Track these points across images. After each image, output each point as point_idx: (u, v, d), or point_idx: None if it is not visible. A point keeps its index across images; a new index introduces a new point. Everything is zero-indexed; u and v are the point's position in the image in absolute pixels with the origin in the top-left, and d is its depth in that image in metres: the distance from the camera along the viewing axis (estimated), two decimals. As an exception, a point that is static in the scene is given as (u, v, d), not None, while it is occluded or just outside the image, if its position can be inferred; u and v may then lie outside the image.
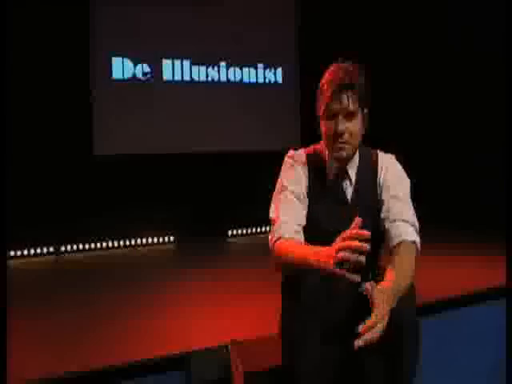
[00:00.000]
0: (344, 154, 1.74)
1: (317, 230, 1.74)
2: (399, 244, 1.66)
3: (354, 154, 1.80)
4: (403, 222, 1.70)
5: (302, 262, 1.53)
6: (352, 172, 1.81)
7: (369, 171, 1.82)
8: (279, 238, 1.68)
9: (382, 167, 1.81)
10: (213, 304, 3.04)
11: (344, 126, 1.69)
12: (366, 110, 1.76)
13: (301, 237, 1.72)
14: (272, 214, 1.78)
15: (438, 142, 5.72)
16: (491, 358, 2.67)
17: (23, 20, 4.48)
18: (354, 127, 1.71)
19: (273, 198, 1.82)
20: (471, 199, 5.28)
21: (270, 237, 1.74)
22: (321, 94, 1.75)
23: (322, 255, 1.44)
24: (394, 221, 1.71)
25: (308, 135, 2.02)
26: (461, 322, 2.68)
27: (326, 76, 1.74)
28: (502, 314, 2.69)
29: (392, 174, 1.80)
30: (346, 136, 1.71)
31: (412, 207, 1.76)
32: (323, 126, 1.76)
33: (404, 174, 1.83)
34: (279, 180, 1.83)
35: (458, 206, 5.37)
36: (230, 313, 2.87)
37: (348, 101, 1.68)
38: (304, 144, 1.97)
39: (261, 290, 3.13)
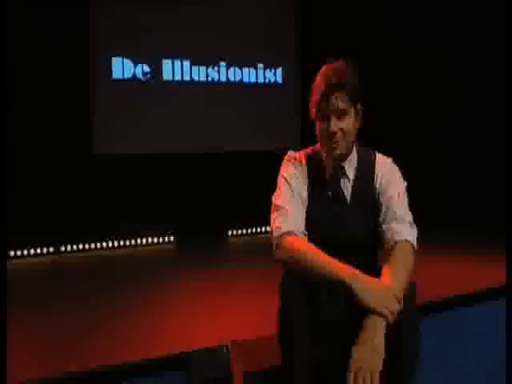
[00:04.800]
0: (338, 152, 1.75)
1: (316, 231, 1.74)
2: (394, 245, 1.69)
3: (350, 151, 1.81)
4: (398, 221, 1.73)
5: (330, 273, 1.56)
6: (350, 170, 1.82)
7: (367, 172, 1.83)
8: (290, 232, 1.68)
9: (379, 170, 1.83)
10: (213, 304, 3.04)
11: (336, 125, 1.71)
12: (359, 106, 1.78)
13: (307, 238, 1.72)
14: (277, 201, 1.77)
15: (440, 142, 5.72)
16: (491, 358, 2.67)
17: (23, 20, 4.48)
18: (346, 126, 1.73)
19: (276, 192, 1.81)
20: (471, 199, 5.28)
21: (275, 224, 1.72)
22: (312, 96, 1.78)
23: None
24: (390, 222, 1.73)
25: (308, 135, 2.03)
26: (461, 321, 2.68)
27: (316, 79, 1.77)
28: (502, 314, 2.69)
29: (389, 176, 1.81)
30: (339, 135, 1.72)
31: (407, 205, 1.79)
32: (317, 127, 1.78)
33: (400, 176, 1.84)
34: (280, 180, 1.83)
35: (458, 206, 5.37)
36: (230, 313, 2.87)
37: (337, 101, 1.70)
38: (304, 144, 1.97)
39: (261, 290, 3.13)
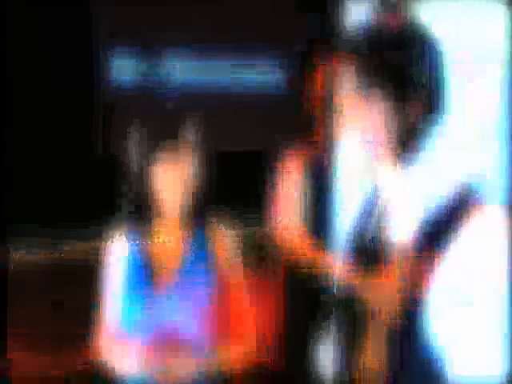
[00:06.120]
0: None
1: (315, 230, 1.74)
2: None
3: None
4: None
5: (330, 273, 1.54)
6: None
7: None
8: (289, 233, 1.69)
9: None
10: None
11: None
12: None
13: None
14: (276, 201, 1.80)
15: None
16: (491, 358, 2.67)
17: (23, 20, 4.48)
18: None
19: (274, 192, 1.82)
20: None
21: (274, 225, 1.74)
22: (313, 92, 1.80)
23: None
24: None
25: (308, 136, 2.03)
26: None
27: (319, 75, 1.79)
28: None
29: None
30: None
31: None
32: (318, 124, 1.78)
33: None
34: (279, 180, 1.83)
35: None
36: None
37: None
38: (304, 144, 1.96)
39: (261, 290, 3.12)
